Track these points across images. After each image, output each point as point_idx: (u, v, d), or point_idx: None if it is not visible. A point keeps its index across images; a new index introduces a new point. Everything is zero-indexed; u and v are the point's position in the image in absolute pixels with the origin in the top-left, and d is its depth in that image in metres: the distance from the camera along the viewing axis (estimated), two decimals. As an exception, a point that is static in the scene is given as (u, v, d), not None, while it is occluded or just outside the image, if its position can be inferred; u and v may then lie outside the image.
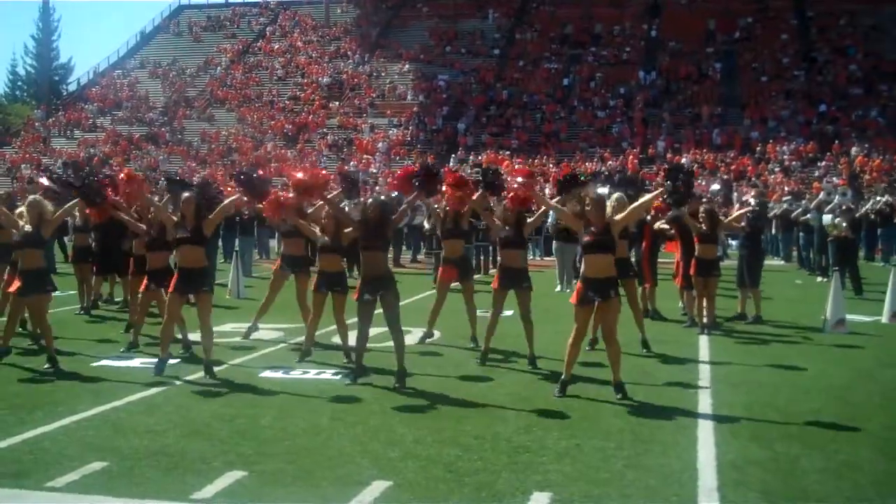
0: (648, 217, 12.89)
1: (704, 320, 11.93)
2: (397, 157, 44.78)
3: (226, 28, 62.98)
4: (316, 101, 51.84)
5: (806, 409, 7.65)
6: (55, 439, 6.70)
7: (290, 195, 9.42)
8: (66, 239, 22.04)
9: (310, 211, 10.15)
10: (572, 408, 7.69)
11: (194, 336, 9.95)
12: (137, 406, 7.80)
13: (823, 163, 37.99)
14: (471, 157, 42.82)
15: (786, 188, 31.47)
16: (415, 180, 8.92)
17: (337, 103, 51.40)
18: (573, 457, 6.27)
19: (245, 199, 9.40)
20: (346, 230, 9.20)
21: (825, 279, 17.48)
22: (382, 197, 9.20)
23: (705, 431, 6.96)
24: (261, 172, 10.13)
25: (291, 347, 10.79)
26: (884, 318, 12.89)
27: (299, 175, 8.98)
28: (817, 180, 34.62)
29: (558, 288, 17.07)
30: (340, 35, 59.38)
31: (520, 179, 9.32)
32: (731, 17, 51.53)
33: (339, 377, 8.99)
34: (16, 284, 9.41)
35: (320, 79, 53.93)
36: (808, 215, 20.49)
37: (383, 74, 53.56)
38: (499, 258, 10.05)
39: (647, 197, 8.78)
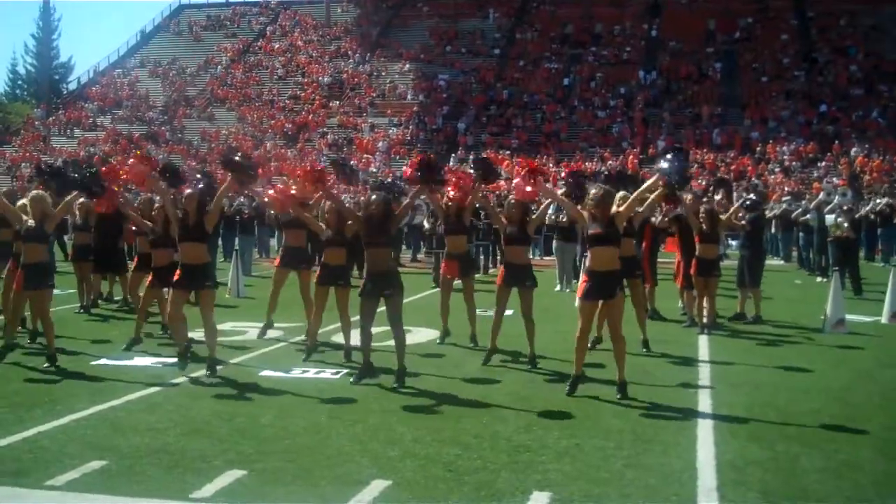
0: (655, 219, 12.90)
1: (704, 320, 11.92)
2: (397, 157, 44.79)
3: (226, 27, 63.01)
4: (316, 100, 51.86)
5: (806, 409, 7.65)
6: (55, 438, 6.69)
7: (293, 187, 9.42)
8: (65, 238, 22.03)
9: (310, 203, 10.18)
10: (572, 407, 7.69)
11: (193, 334, 9.93)
12: (137, 404, 7.79)
13: (823, 163, 38.00)
14: (471, 157, 42.80)
15: (786, 188, 31.48)
16: (416, 172, 8.98)
17: (337, 103, 51.43)
18: (573, 456, 6.26)
19: (238, 182, 9.20)
20: (350, 223, 9.22)
21: (825, 279, 17.49)
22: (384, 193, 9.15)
23: (705, 431, 6.96)
24: (246, 154, 10.06)
25: (295, 347, 10.79)
26: (883, 319, 12.89)
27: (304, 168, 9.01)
28: (817, 181, 34.64)
29: (558, 287, 17.07)
30: (341, 34, 59.39)
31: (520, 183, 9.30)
32: (732, 17, 51.57)
33: (338, 376, 8.98)
34: (18, 277, 9.45)
35: (320, 78, 53.95)
36: (808, 215, 20.49)
37: (383, 74, 53.58)
38: (501, 255, 10.05)
39: (647, 183, 8.66)
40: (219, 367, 9.04)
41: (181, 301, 9.03)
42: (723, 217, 12.23)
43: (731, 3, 51.94)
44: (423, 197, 11.07)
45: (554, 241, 18.26)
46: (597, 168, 35.39)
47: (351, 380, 8.64)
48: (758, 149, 40.25)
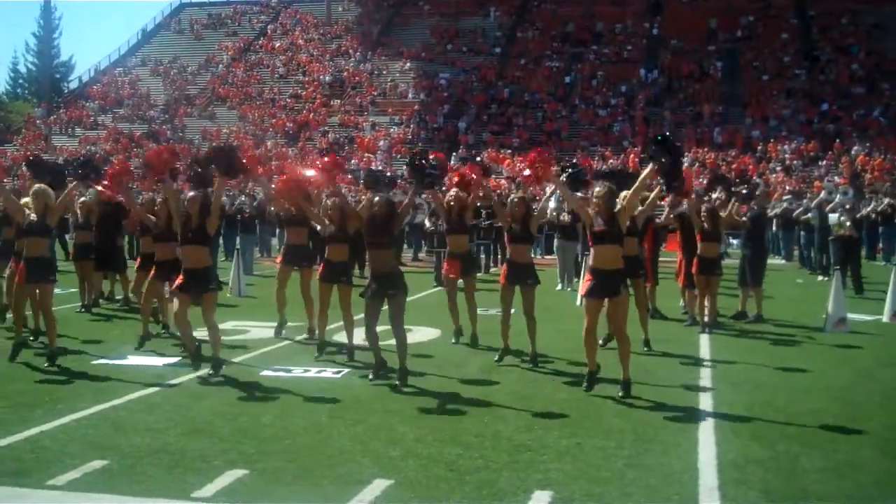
0: (659, 218, 12.91)
1: (706, 319, 11.92)
2: (398, 156, 44.78)
3: (227, 26, 63.01)
4: (317, 99, 51.88)
5: (807, 409, 7.65)
6: (56, 437, 6.69)
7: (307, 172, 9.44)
8: (67, 237, 22.05)
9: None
10: (573, 407, 7.69)
11: (195, 334, 9.92)
12: (138, 404, 7.79)
13: (825, 162, 37.99)
14: (472, 156, 42.83)
15: (787, 187, 31.47)
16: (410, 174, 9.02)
17: (338, 101, 51.45)
18: (574, 455, 6.26)
19: (226, 174, 9.13)
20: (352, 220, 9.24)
21: (826, 278, 17.48)
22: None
23: (706, 431, 6.96)
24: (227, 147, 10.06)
25: (296, 346, 10.79)
26: (885, 318, 12.88)
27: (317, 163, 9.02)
28: (818, 179, 34.62)
29: (559, 286, 17.06)
30: (342, 33, 59.38)
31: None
32: (733, 16, 51.56)
33: (339, 376, 8.99)
34: (20, 271, 9.46)
35: (321, 77, 53.94)
36: (809, 214, 20.48)
37: (384, 72, 53.57)
38: (507, 253, 10.03)
39: (643, 175, 8.56)
40: (223, 367, 9.03)
41: (186, 305, 9.01)
42: (723, 214, 12.20)
43: (733, 2, 51.93)
44: (424, 196, 11.09)
45: (555, 240, 18.26)
46: (598, 167, 35.40)
47: (370, 378, 8.61)
48: (759, 147, 40.24)
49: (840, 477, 5.87)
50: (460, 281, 10.87)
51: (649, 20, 53.57)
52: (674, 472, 5.93)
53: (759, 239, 13.75)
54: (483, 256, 20.32)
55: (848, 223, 16.74)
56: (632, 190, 8.52)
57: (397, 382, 8.40)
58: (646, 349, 10.31)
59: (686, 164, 38.70)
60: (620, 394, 7.94)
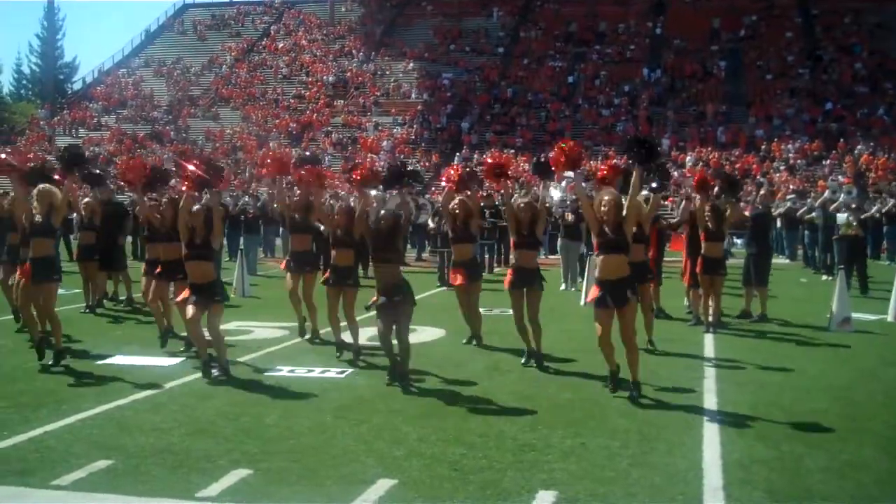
0: (665, 219, 12.90)
1: (710, 319, 11.91)
2: (402, 156, 44.78)
3: (230, 27, 63.08)
4: (320, 99, 51.92)
5: (811, 409, 7.65)
6: (60, 437, 6.71)
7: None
8: (71, 237, 22.06)
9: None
10: (577, 406, 7.69)
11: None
12: (143, 404, 7.80)
13: (828, 161, 37.94)
14: (475, 156, 42.82)
15: (791, 186, 31.43)
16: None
17: (341, 102, 51.49)
18: (578, 455, 6.26)
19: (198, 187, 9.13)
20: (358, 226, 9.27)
21: (830, 277, 17.46)
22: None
23: (711, 430, 6.95)
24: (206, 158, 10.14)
25: (300, 347, 10.80)
26: (889, 317, 12.87)
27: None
28: (822, 178, 34.58)
29: (563, 286, 17.05)
30: (345, 33, 59.42)
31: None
32: (736, 15, 51.53)
33: (343, 376, 9.00)
34: (25, 271, 9.46)
35: (325, 77, 53.98)
36: (813, 213, 20.45)
37: (387, 73, 53.59)
38: (511, 258, 9.99)
39: (633, 179, 8.49)
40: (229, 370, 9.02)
41: (198, 312, 8.98)
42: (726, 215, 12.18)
43: (736, 1, 51.92)
44: (427, 196, 11.12)
45: (559, 240, 18.25)
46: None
47: (386, 380, 8.59)
48: (762, 147, 40.20)
49: (843, 476, 5.86)
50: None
51: (652, 20, 53.55)
52: (678, 472, 5.93)
53: (764, 238, 13.74)
54: (488, 256, 20.33)
55: (854, 223, 16.72)
56: (630, 194, 8.45)
57: (400, 385, 8.40)
58: (649, 346, 10.30)
59: (690, 164, 38.89)
60: (632, 394, 7.89)
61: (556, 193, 16.52)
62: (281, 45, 59.20)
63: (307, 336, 11.19)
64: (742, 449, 6.44)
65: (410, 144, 46.01)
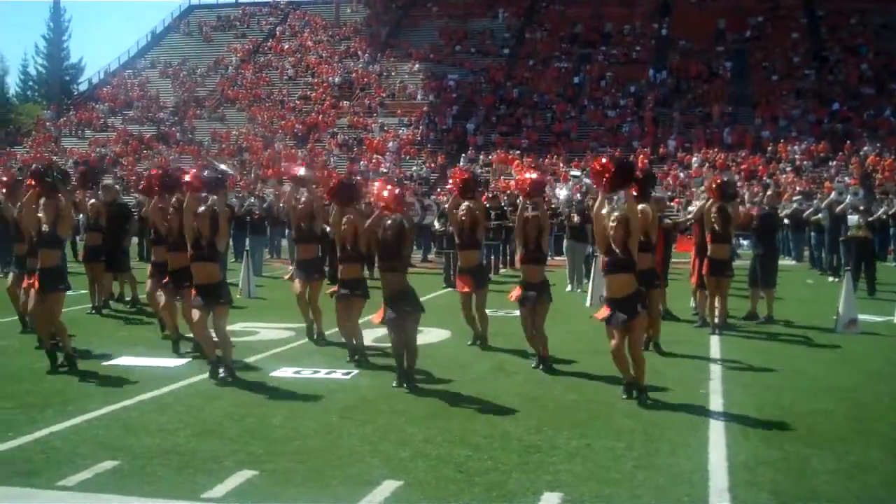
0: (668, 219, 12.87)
1: (716, 320, 11.89)
2: (407, 157, 44.88)
3: (236, 28, 63.12)
4: (326, 100, 51.94)
5: (817, 410, 7.63)
6: (66, 438, 6.72)
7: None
8: (77, 238, 22.11)
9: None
10: (582, 408, 7.69)
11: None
12: (148, 405, 7.82)
13: (835, 162, 37.86)
14: (481, 157, 42.86)
15: (797, 188, 31.37)
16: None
17: (347, 103, 51.51)
18: (584, 457, 6.26)
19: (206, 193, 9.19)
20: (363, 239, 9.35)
21: (837, 279, 17.42)
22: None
23: (716, 432, 6.94)
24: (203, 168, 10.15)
25: (305, 348, 10.81)
26: (895, 319, 12.83)
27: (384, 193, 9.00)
28: (829, 180, 34.50)
29: (569, 288, 17.03)
30: (350, 35, 59.43)
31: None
32: (742, 16, 51.43)
33: (348, 377, 9.00)
34: (34, 282, 9.45)
35: (330, 78, 54.01)
36: (820, 215, 20.40)
37: (393, 74, 53.60)
38: (520, 271, 9.98)
39: (628, 205, 8.34)
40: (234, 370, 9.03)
41: (204, 314, 8.99)
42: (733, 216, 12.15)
43: (742, 2, 51.82)
44: (432, 197, 11.14)
45: (565, 241, 18.23)
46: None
47: (393, 384, 8.57)
48: (769, 148, 40.12)
49: (849, 478, 5.85)
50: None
51: (658, 21, 53.47)
52: (684, 473, 5.92)
53: (771, 240, 13.70)
54: (493, 257, 20.32)
55: (863, 224, 16.68)
56: (630, 219, 8.33)
57: (406, 386, 8.41)
58: (653, 349, 10.28)
59: (696, 165, 38.85)
60: (640, 399, 7.85)
61: (562, 193, 16.50)
62: (286, 46, 59.24)
63: (313, 338, 11.21)
64: (748, 450, 6.42)
65: (416, 146, 46.02)
